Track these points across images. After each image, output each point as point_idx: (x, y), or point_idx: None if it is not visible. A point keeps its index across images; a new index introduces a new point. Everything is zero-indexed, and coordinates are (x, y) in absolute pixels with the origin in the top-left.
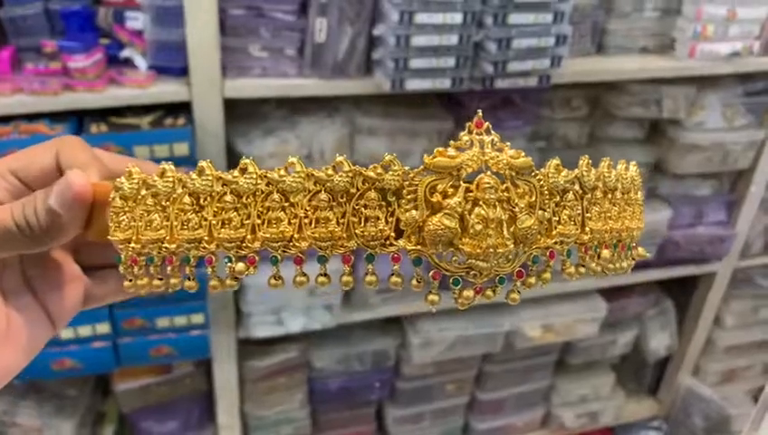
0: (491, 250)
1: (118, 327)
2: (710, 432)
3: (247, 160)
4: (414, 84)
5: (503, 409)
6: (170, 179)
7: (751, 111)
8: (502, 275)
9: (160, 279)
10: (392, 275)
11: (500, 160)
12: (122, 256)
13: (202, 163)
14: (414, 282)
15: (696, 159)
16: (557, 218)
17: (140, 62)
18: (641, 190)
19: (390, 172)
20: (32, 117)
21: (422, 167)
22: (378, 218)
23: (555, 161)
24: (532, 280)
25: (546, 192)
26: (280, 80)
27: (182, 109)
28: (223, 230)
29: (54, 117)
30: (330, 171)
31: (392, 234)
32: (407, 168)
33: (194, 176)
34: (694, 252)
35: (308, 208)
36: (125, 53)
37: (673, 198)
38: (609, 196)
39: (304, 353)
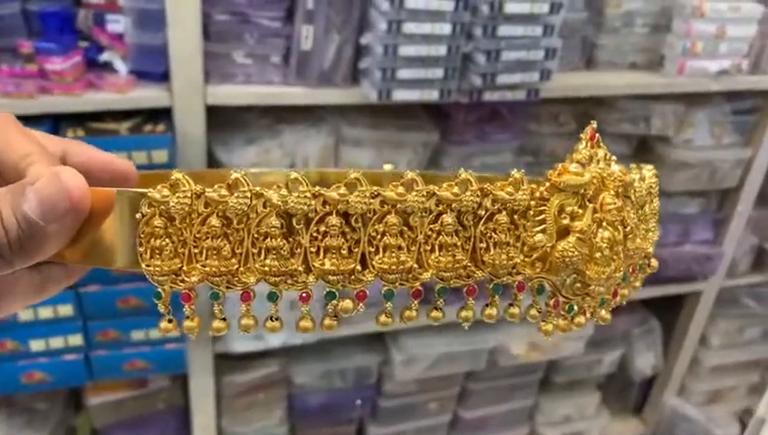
0: (613, 274)
1: (91, 339)
2: None
3: (357, 174)
4: (401, 95)
5: (486, 427)
6: (246, 194)
7: (738, 130)
8: (605, 296)
9: (224, 319)
10: (511, 305)
11: (615, 178)
12: (162, 292)
13: (293, 174)
14: (533, 311)
15: (683, 177)
16: (637, 233)
17: (120, 66)
18: (649, 203)
19: (521, 191)
20: None
21: (548, 184)
22: (508, 244)
23: (644, 169)
24: (618, 298)
25: (634, 206)
26: (264, 87)
27: (162, 115)
28: (326, 260)
29: (29, 120)
30: (455, 189)
31: (518, 260)
32: (533, 184)
33: (283, 192)
34: (680, 270)
35: (429, 233)
36: (105, 57)
37: (660, 215)
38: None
39: (284, 369)
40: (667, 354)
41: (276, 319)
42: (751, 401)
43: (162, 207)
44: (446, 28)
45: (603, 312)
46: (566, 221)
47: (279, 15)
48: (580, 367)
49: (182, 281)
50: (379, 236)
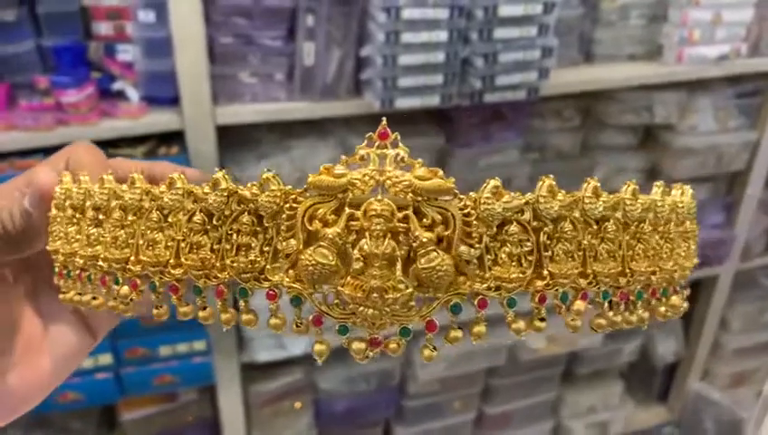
0: (375, 294)
1: (120, 357)
2: None
3: (135, 175)
4: (403, 103)
5: (511, 423)
6: (82, 191)
7: (743, 113)
8: (406, 325)
9: (79, 293)
10: (271, 316)
11: (400, 181)
12: (56, 267)
13: (103, 175)
14: (294, 326)
15: (690, 163)
16: (492, 257)
17: (132, 94)
18: (675, 222)
19: (267, 193)
20: (27, 153)
21: (305, 187)
22: (250, 247)
23: (494, 183)
24: (457, 334)
25: (475, 223)
26: (271, 104)
27: (175, 137)
28: (111, 249)
29: (49, 152)
30: (207, 189)
31: (268, 266)
32: (289, 187)
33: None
34: None
35: (185, 230)
36: (117, 86)
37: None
38: (594, 228)
39: (309, 376)
40: (688, 340)
41: (159, 307)
42: None
43: (55, 201)
44: (442, 35)
45: (427, 350)
46: (315, 227)
47: (281, 35)
48: (601, 357)
49: (65, 260)
50: (147, 231)
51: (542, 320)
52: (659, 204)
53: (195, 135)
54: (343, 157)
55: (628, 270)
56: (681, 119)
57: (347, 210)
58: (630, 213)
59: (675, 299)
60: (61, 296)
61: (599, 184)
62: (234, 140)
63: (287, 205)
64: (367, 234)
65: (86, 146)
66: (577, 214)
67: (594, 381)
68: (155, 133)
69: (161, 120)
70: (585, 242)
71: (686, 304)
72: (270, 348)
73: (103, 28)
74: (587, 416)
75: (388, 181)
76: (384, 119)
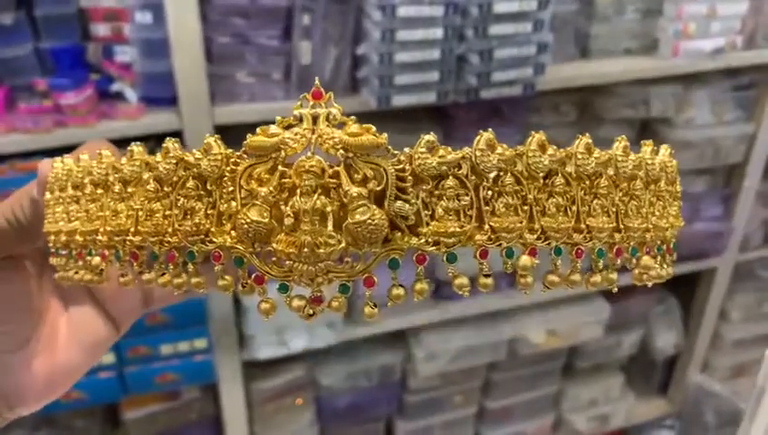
0: (307, 249)
1: (122, 356)
2: (723, 427)
3: (103, 151)
4: (400, 100)
5: (512, 417)
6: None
7: (740, 106)
8: (345, 281)
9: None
10: (218, 277)
11: (331, 138)
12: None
13: (79, 154)
14: (240, 286)
15: (687, 156)
16: (429, 212)
17: (131, 95)
18: (641, 178)
19: (209, 157)
20: (27, 155)
21: (243, 149)
22: (194, 210)
23: (427, 137)
24: (399, 291)
25: (410, 178)
26: (268, 104)
27: (173, 138)
28: (85, 223)
29: (49, 154)
30: (158, 158)
31: (213, 229)
32: (230, 150)
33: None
34: (693, 248)
35: (143, 199)
36: (115, 87)
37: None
38: (543, 182)
39: (310, 372)
40: (687, 332)
41: (124, 275)
42: None
43: (48, 185)
44: (438, 33)
45: (367, 308)
46: (251, 187)
47: (277, 34)
48: (601, 351)
49: (54, 239)
50: (114, 202)
51: (487, 276)
52: (620, 159)
53: (193, 135)
54: (278, 118)
55: (584, 226)
56: (678, 112)
57: (279, 169)
58: (583, 167)
59: (646, 259)
60: (55, 276)
61: (545, 138)
62: (232, 140)
63: (228, 168)
64: (298, 191)
65: (101, 142)
66: (520, 168)
67: (594, 374)
68: (154, 134)
69: (160, 120)
70: (531, 196)
71: (661, 269)
72: (271, 345)
73: (101, 30)
74: (588, 409)
75: (320, 139)
76: (317, 79)
